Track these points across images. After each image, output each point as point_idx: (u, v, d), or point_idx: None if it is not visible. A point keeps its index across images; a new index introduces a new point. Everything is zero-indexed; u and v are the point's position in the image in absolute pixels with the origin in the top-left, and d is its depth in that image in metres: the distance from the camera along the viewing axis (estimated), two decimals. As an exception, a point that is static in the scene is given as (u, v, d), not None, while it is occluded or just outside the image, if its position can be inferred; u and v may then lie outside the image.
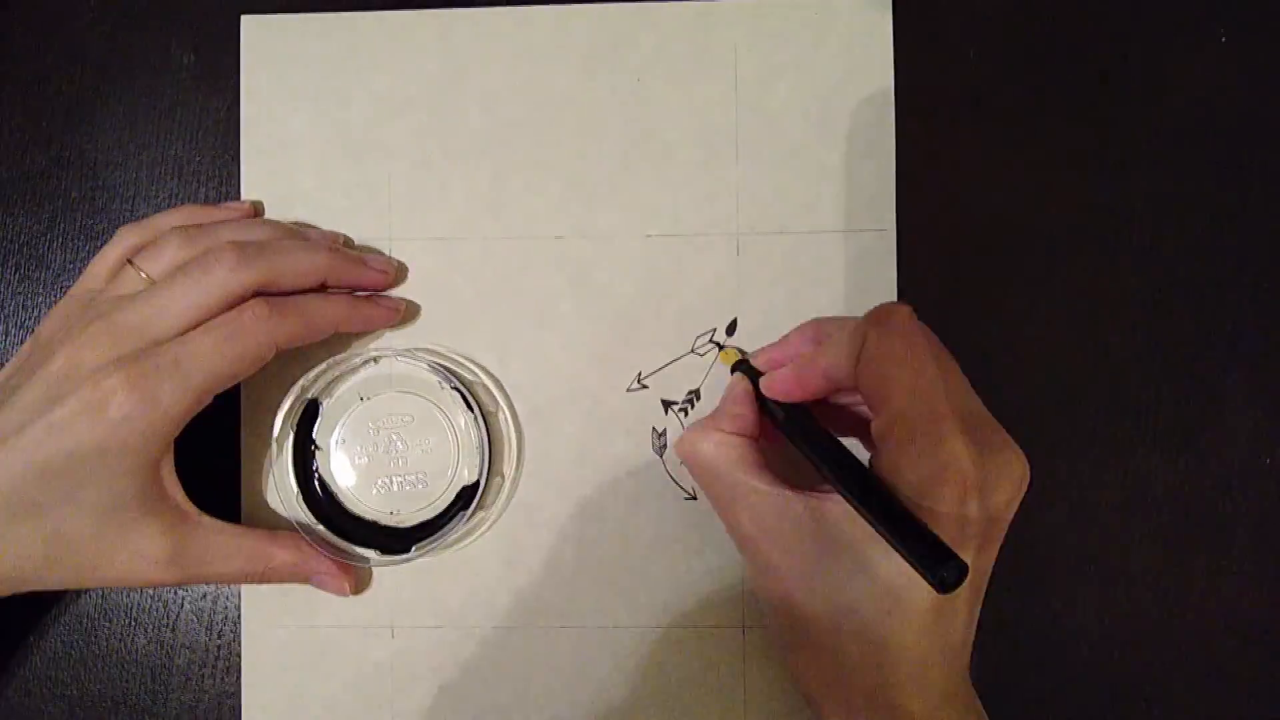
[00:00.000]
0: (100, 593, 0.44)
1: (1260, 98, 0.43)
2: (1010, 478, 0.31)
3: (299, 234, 0.41)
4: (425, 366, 0.42)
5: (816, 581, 0.33)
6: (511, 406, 0.42)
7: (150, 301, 0.36)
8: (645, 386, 0.42)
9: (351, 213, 0.43)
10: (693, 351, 0.42)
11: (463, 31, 0.43)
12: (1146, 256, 0.43)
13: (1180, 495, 0.42)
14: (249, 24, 0.44)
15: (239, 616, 0.43)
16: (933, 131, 0.43)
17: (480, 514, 0.42)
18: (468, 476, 0.42)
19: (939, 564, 0.27)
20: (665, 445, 0.42)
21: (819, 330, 0.37)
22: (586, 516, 0.42)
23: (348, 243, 0.43)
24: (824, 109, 0.42)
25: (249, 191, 0.43)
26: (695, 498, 0.42)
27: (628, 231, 0.43)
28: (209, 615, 0.43)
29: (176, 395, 0.35)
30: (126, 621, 0.44)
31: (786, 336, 0.38)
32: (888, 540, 0.29)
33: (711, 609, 0.42)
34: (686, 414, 0.42)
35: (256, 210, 0.42)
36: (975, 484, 0.30)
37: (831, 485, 0.33)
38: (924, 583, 0.28)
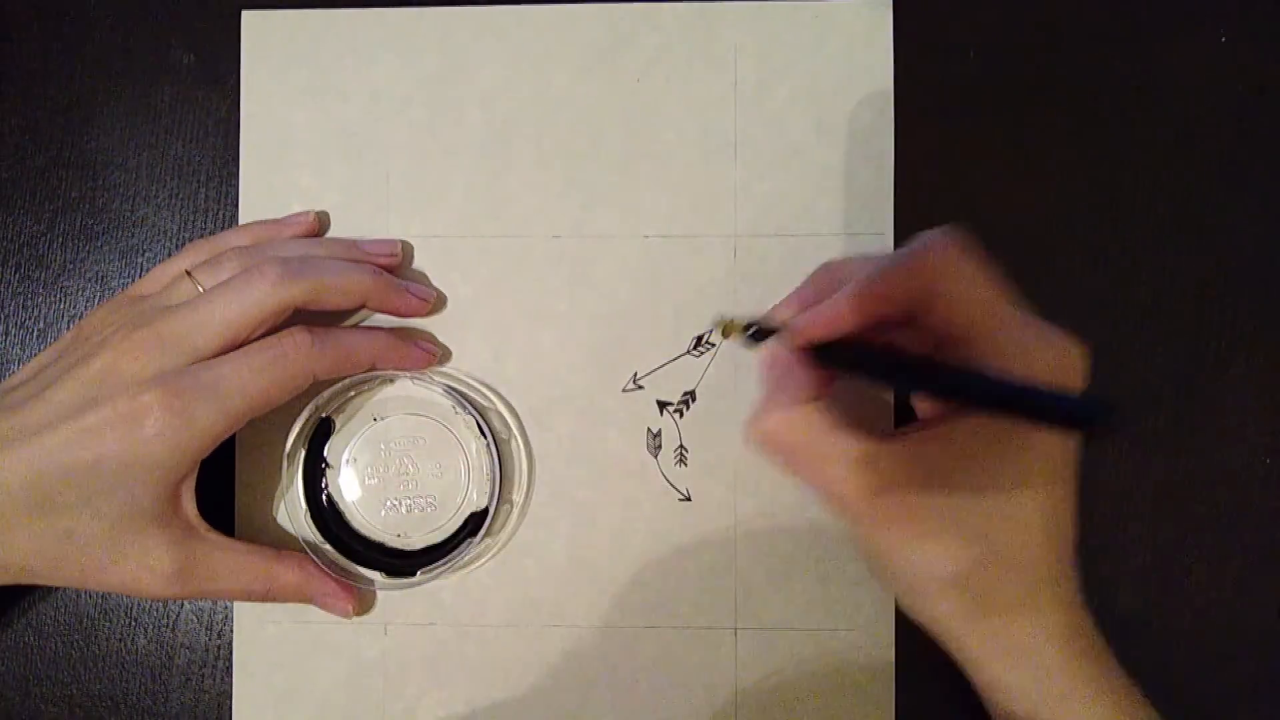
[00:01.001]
0: (101, 594, 0.43)
1: (1260, 98, 0.42)
2: (1074, 373, 0.32)
3: (353, 248, 0.41)
4: (440, 390, 0.41)
5: (948, 518, 0.32)
6: (524, 434, 0.42)
7: (193, 314, 0.36)
8: (641, 387, 0.42)
9: (349, 210, 0.43)
10: (689, 353, 0.42)
11: (463, 30, 0.43)
12: (1147, 257, 0.43)
13: (1179, 495, 0.42)
14: (250, 19, 0.43)
15: (234, 618, 0.43)
16: (932, 134, 0.42)
17: (488, 541, 0.42)
18: (477, 502, 0.41)
19: (1089, 414, 0.26)
20: (660, 446, 0.42)
21: (838, 271, 0.36)
22: (580, 516, 0.42)
23: (406, 249, 0.42)
24: (823, 111, 0.42)
25: (248, 189, 0.43)
26: (689, 499, 0.42)
27: (625, 232, 0.42)
28: (209, 615, 0.43)
29: (211, 418, 0.35)
30: (127, 621, 0.43)
31: (799, 288, 0.37)
32: (1025, 418, 0.29)
33: (703, 610, 0.42)
34: (681, 415, 0.42)
35: (320, 221, 0.42)
36: (1083, 374, 0.32)
37: (931, 396, 0.32)
38: (1041, 488, 0.31)
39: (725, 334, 0.37)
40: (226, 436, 0.37)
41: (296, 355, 0.37)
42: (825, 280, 0.36)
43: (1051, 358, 0.31)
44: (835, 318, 0.32)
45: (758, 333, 0.36)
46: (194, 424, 0.35)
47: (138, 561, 0.36)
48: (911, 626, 0.39)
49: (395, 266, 0.41)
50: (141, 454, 0.35)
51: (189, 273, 0.38)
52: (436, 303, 0.42)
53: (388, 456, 0.42)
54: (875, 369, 0.33)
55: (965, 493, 0.32)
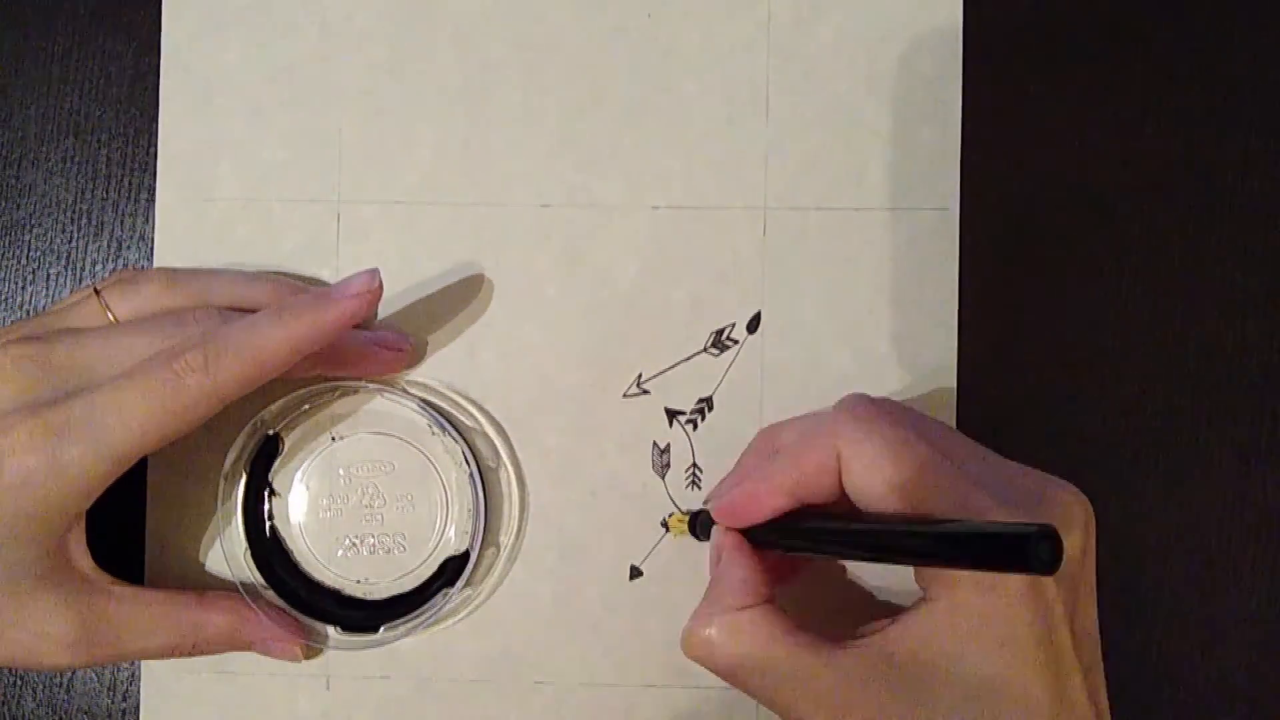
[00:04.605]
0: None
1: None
2: (1069, 523, 0.31)
3: (310, 291, 0.38)
4: (414, 405, 0.39)
5: None
6: (516, 463, 0.40)
7: (96, 343, 0.34)
8: (646, 392, 0.40)
9: (292, 169, 0.40)
10: (705, 350, 0.40)
11: (434, -52, 0.41)
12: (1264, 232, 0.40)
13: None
14: (171, -66, 0.41)
15: (141, 670, 0.40)
16: (1009, 89, 0.40)
17: (467, 592, 0.39)
18: (455, 545, 0.39)
19: (1024, 547, 0.25)
20: (668, 464, 0.39)
21: (773, 441, 0.36)
22: (568, 549, 0.40)
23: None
24: (875, 57, 0.40)
25: (168, 145, 0.40)
26: (704, 529, 0.40)
27: (630, 202, 0.40)
28: (110, 672, 0.40)
29: (85, 462, 0.32)
30: (10, 681, 0.41)
31: (739, 461, 0.38)
32: (968, 566, 0.28)
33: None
34: (695, 427, 0.39)
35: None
36: (1085, 524, 0.31)
37: (876, 559, 0.33)
38: (1033, 681, 0.29)
39: (677, 530, 0.39)
40: (112, 480, 0.33)
41: (191, 377, 0.33)
42: (764, 451, 0.36)
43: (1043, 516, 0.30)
44: (753, 503, 0.33)
45: (702, 521, 0.37)
46: (62, 471, 0.32)
47: (28, 631, 0.34)
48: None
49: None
50: (6, 505, 0.32)
51: (97, 291, 0.36)
52: (415, 352, 0.40)
53: (347, 485, 0.39)
54: (811, 543, 0.33)
55: (948, 701, 0.30)
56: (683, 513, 0.38)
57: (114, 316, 0.35)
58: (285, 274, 0.39)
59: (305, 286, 0.38)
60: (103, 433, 0.32)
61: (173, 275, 0.37)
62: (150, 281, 0.36)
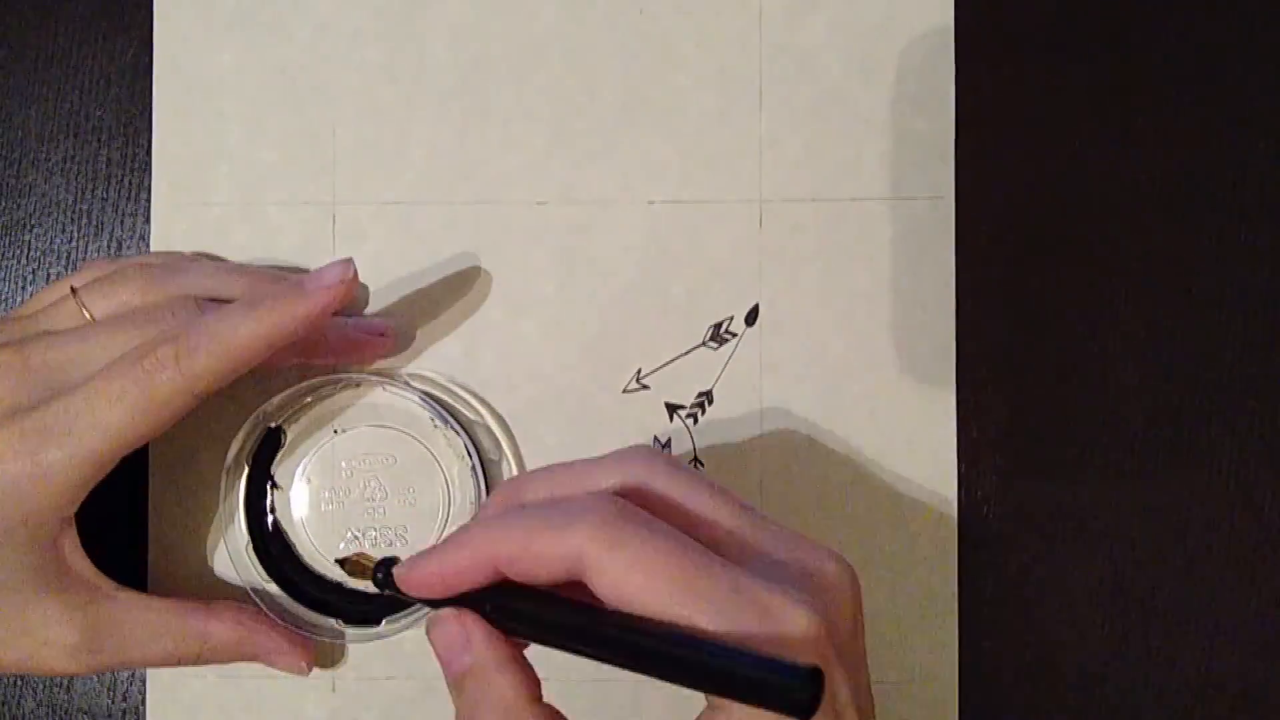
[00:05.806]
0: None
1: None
2: (840, 598, 0.28)
3: (284, 281, 0.37)
4: (416, 399, 0.39)
5: None
6: (518, 454, 0.40)
7: (73, 344, 0.34)
8: (646, 387, 0.40)
9: (287, 171, 0.40)
10: (704, 344, 0.40)
11: (426, -52, 0.41)
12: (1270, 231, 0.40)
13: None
14: (163, -62, 0.41)
15: (147, 672, 0.40)
16: (1002, 77, 0.40)
17: None
18: None
19: (779, 686, 0.24)
20: None
21: (518, 494, 0.31)
22: None
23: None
24: (868, 48, 0.40)
25: (163, 147, 0.40)
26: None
27: (626, 197, 0.40)
28: (111, 673, 0.40)
29: (66, 466, 0.32)
30: (11, 681, 0.41)
31: (479, 514, 0.34)
32: (714, 690, 0.26)
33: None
34: (696, 421, 0.39)
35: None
36: (802, 642, 0.27)
37: (617, 665, 0.29)
38: None
39: (352, 572, 0.33)
40: (96, 481, 0.33)
41: (163, 374, 0.32)
42: (507, 505, 0.32)
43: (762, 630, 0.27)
44: (448, 570, 0.29)
45: (386, 572, 0.32)
46: (44, 475, 0.32)
47: (30, 639, 0.34)
48: (976, 675, 0.39)
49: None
50: None
51: (74, 290, 0.35)
52: (399, 340, 0.39)
53: (349, 477, 0.39)
54: (562, 641, 0.29)
55: None
56: (367, 557, 0.33)
57: (90, 315, 0.35)
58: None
59: (283, 276, 0.38)
60: (79, 436, 0.32)
61: (149, 270, 0.36)
62: (126, 279, 0.36)
